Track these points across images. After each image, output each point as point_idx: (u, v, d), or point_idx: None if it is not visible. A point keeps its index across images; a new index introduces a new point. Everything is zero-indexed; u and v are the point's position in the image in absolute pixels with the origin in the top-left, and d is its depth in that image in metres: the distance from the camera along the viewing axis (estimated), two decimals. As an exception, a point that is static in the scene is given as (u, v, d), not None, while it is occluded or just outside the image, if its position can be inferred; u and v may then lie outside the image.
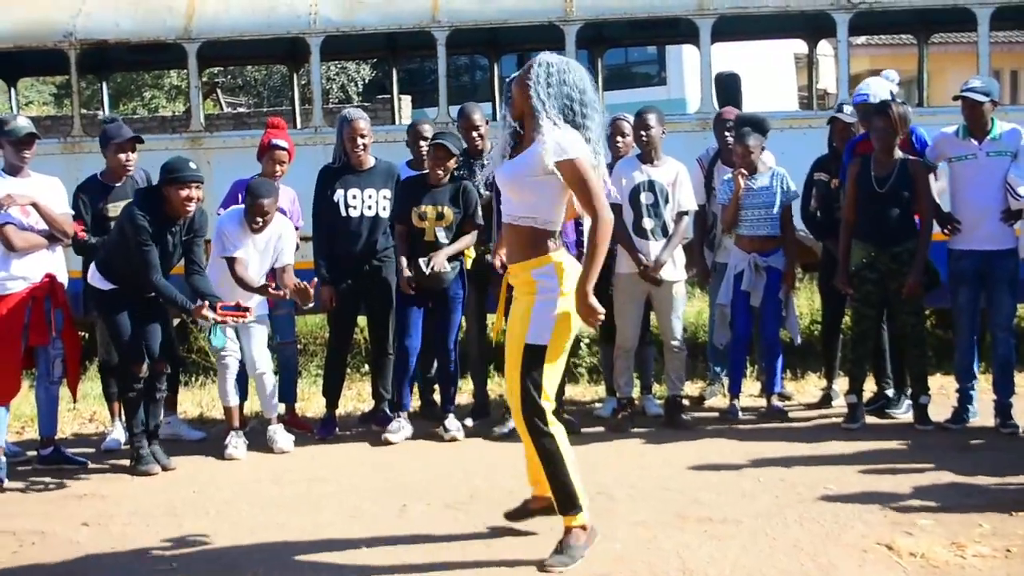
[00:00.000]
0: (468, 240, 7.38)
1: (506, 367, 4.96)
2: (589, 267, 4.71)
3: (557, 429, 4.87)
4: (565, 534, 4.90)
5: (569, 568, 4.79)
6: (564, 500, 4.88)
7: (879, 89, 7.65)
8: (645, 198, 7.46)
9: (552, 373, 4.87)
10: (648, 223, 7.45)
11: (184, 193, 6.59)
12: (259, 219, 7.10)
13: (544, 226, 4.85)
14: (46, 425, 7.10)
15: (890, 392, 7.80)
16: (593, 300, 4.71)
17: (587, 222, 4.84)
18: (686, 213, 7.61)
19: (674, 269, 7.54)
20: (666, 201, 7.49)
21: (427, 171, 7.40)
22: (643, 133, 7.51)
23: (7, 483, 6.65)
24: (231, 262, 7.11)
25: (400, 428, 7.40)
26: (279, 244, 7.26)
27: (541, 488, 5.17)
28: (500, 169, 4.96)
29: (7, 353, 6.73)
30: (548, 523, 5.19)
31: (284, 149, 7.59)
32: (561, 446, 4.86)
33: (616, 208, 7.34)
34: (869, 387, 7.67)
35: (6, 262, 6.77)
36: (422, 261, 7.17)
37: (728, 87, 8.60)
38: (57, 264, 7.01)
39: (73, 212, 7.20)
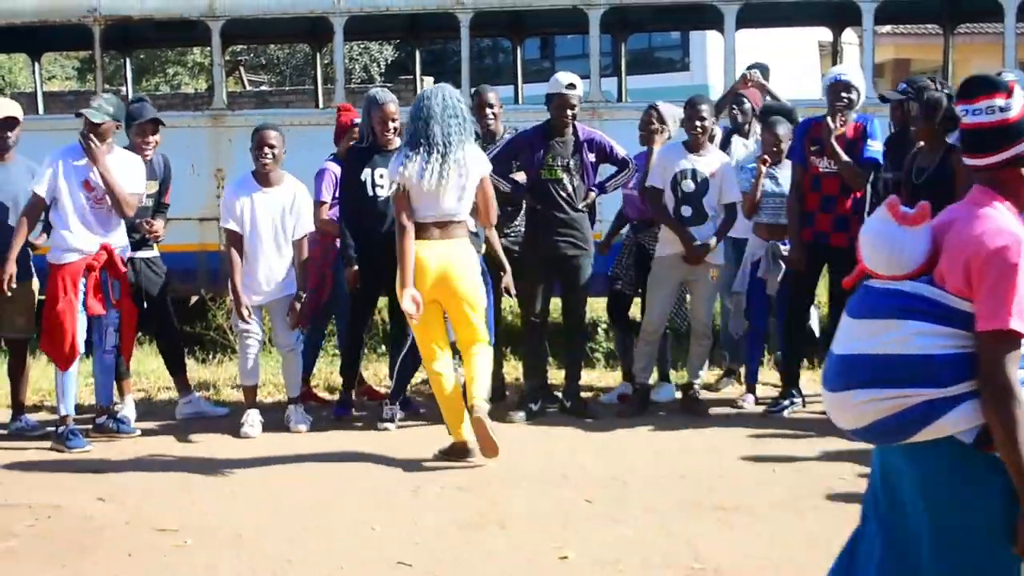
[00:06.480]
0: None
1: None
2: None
3: None
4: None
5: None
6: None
7: (857, 75, 7.49)
8: (685, 186, 7.43)
9: None
10: (685, 210, 7.43)
11: None
12: (267, 151, 7.06)
13: None
14: (101, 394, 7.14)
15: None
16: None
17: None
18: (732, 204, 7.58)
19: (715, 253, 7.55)
20: (705, 191, 7.46)
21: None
22: (697, 123, 7.45)
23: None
24: (227, 234, 7.21)
25: (392, 416, 7.28)
26: (295, 206, 7.21)
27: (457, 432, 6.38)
28: None
29: (64, 320, 6.76)
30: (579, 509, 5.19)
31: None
32: None
33: (657, 192, 7.47)
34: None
35: (61, 232, 6.82)
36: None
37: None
38: (119, 236, 7.02)
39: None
